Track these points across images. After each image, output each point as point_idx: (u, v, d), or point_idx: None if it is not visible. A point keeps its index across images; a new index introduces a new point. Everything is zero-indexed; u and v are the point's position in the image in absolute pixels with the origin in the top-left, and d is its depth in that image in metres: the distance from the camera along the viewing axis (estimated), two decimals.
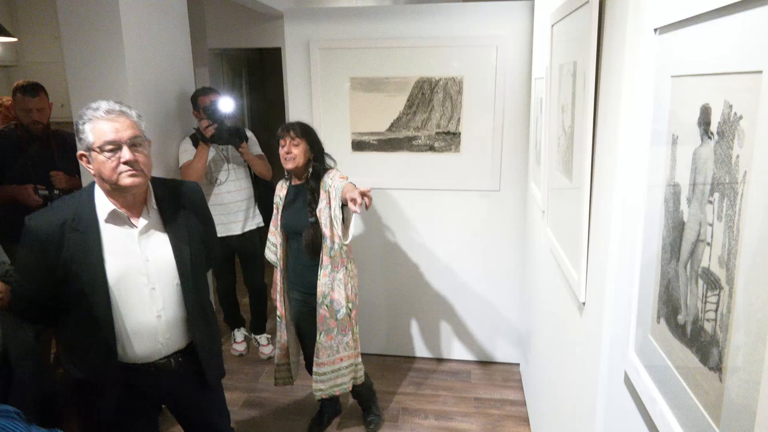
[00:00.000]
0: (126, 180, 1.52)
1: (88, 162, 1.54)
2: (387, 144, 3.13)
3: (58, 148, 3.05)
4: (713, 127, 0.75)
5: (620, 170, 1.22)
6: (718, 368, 0.71)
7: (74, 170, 2.98)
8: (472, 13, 2.92)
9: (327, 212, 2.33)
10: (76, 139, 1.53)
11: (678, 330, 0.84)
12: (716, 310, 0.72)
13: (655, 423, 0.90)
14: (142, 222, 1.62)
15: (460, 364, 3.38)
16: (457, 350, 3.41)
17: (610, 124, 1.27)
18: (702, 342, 0.76)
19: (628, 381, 1.09)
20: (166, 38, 2.99)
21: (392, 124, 3.10)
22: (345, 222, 2.26)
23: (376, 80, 3.04)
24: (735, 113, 0.69)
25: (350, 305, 2.45)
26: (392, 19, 2.98)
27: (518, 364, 3.34)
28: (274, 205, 2.56)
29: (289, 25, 3.06)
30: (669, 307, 0.87)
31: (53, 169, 2.98)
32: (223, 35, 5.33)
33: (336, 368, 2.47)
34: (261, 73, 6.79)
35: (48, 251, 1.50)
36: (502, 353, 3.37)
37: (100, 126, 1.49)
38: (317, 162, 2.41)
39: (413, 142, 3.11)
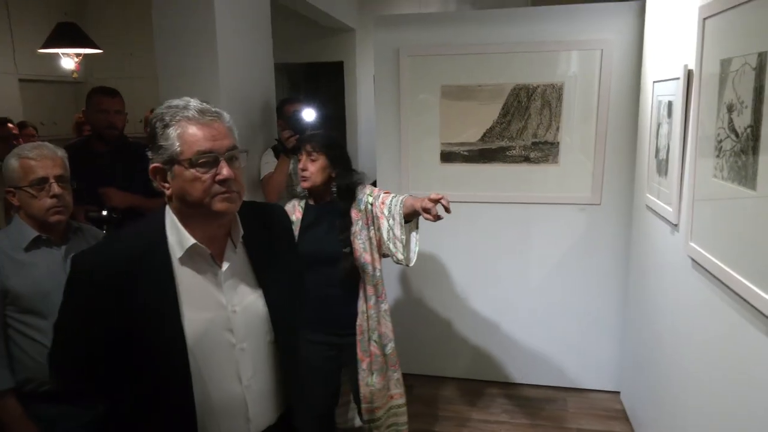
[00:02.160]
0: (220, 204, 1.14)
1: (164, 180, 1.15)
2: (479, 155, 2.97)
3: (124, 161, 2.61)
4: None
5: None
6: None
7: (139, 188, 2.53)
8: (573, 16, 2.75)
9: (365, 234, 2.05)
10: (150, 147, 1.16)
11: None
12: None
13: None
14: (227, 261, 1.23)
15: (553, 390, 3.15)
16: (548, 376, 3.18)
17: None
18: None
19: None
20: (253, 52, 2.95)
21: (485, 134, 2.93)
22: (405, 242, 1.99)
23: (469, 88, 2.89)
24: None
25: (393, 339, 2.17)
26: (487, 24, 2.84)
27: (617, 392, 3.08)
28: None
29: (378, 33, 2.95)
30: None
31: (116, 185, 2.50)
32: (286, 49, 5.30)
33: (388, 407, 2.17)
34: (318, 87, 6.76)
35: (104, 303, 1.11)
36: (598, 380, 3.12)
37: (191, 131, 1.12)
38: (341, 179, 2.07)
39: (507, 153, 2.93)
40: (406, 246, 2.01)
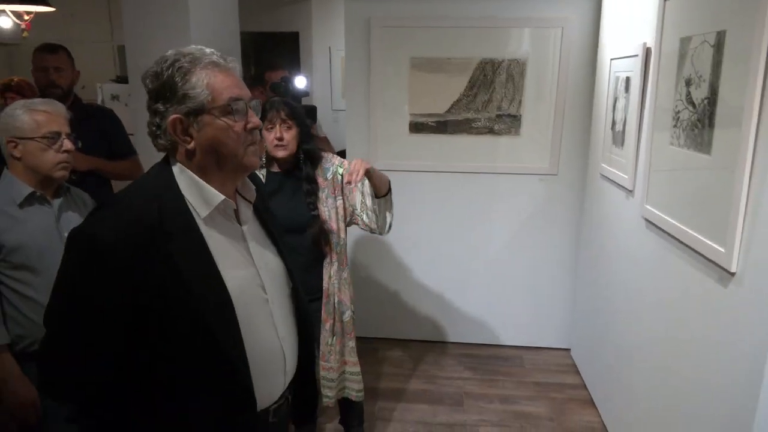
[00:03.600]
0: (252, 158, 1.11)
1: (185, 132, 1.05)
2: (445, 126, 3.08)
3: (79, 123, 2.34)
4: None
5: None
6: None
7: (99, 150, 2.48)
8: None
9: (331, 202, 2.11)
10: (164, 98, 1.04)
11: None
12: None
13: None
14: (245, 217, 1.19)
15: (511, 349, 3.37)
16: (506, 336, 3.40)
17: None
18: None
19: None
20: (221, 19, 2.93)
21: (452, 106, 3.05)
22: (377, 212, 2.09)
23: (438, 60, 2.99)
24: None
25: (353, 308, 2.25)
26: None
27: (568, 350, 3.35)
28: None
29: (349, 2, 2.97)
30: None
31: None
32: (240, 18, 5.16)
33: (342, 370, 2.26)
34: (271, 57, 6.64)
35: (133, 277, 1.00)
36: (550, 339, 3.37)
37: (219, 78, 1.05)
38: (308, 144, 2.09)
39: (473, 125, 3.06)
40: (380, 215, 2.11)
